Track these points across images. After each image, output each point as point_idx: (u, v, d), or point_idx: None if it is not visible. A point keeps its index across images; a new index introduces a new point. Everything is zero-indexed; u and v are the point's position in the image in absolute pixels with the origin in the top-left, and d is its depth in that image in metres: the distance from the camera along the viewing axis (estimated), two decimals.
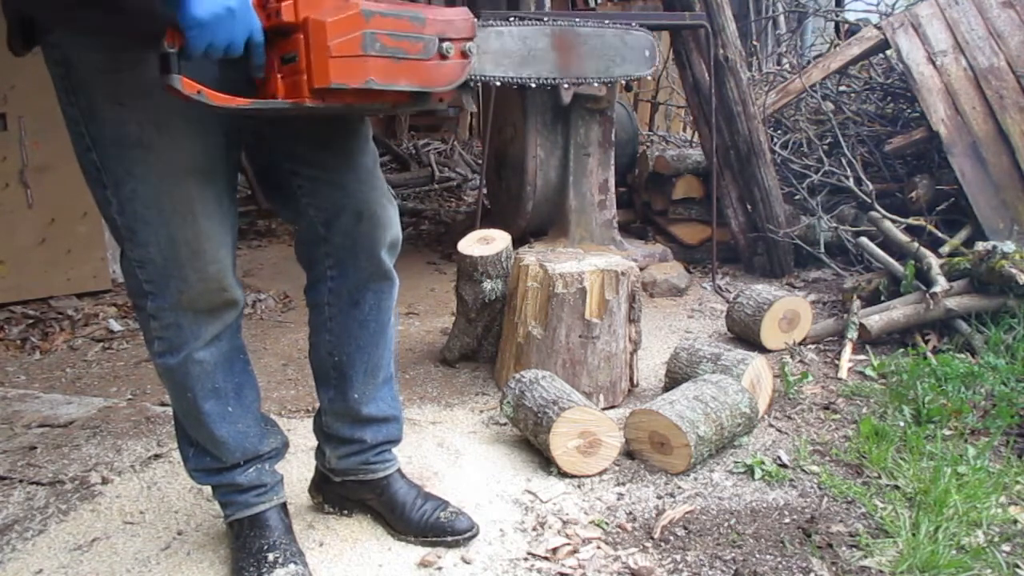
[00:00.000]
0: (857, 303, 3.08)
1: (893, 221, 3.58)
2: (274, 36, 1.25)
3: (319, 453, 1.83)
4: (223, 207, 1.46)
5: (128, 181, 1.37)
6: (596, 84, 1.85)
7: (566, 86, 3.75)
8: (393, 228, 1.63)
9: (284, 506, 1.72)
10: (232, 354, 1.59)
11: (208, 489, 1.96)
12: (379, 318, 1.67)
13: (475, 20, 1.41)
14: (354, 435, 1.74)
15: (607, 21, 1.97)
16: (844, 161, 4.06)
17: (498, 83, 1.58)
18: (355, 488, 1.80)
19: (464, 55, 1.37)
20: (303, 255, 1.66)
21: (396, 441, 1.82)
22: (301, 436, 2.23)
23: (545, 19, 1.71)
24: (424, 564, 1.70)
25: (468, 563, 1.71)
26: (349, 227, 1.57)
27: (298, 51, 1.23)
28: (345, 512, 1.85)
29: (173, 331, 1.49)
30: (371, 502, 1.81)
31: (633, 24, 1.97)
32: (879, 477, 2.06)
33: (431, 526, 1.75)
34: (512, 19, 1.63)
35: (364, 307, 1.64)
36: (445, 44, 1.34)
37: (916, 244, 3.27)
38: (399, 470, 1.83)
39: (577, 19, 1.90)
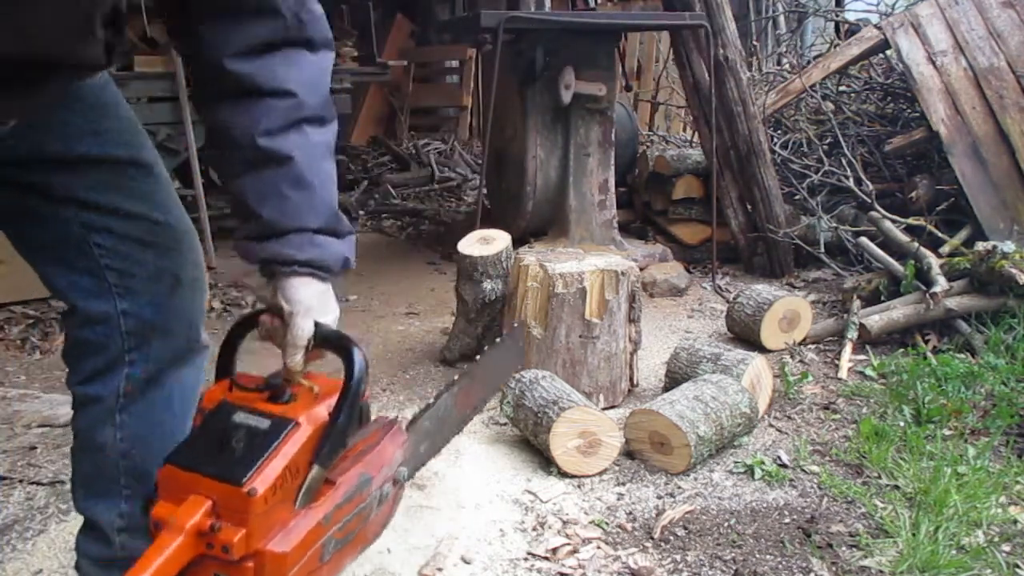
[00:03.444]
0: (857, 303, 3.08)
1: (893, 221, 3.58)
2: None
3: None
4: None
5: None
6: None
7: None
8: (206, 289, 1.38)
9: None
10: None
11: None
12: (186, 395, 1.37)
13: (406, 435, 1.26)
14: None
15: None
16: (844, 161, 4.06)
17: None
18: None
19: (396, 481, 1.21)
20: (79, 342, 1.30)
21: None
22: None
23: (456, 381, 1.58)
24: None
25: (468, 563, 1.71)
26: (161, 296, 1.28)
27: None
28: None
29: None
30: None
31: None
32: (879, 477, 2.06)
33: None
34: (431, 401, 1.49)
35: (167, 386, 1.34)
36: (385, 487, 1.17)
37: (916, 244, 3.27)
38: None
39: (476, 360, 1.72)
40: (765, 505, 1.95)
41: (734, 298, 3.13)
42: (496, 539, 1.81)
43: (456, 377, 1.63)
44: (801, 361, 2.86)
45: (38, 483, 2.06)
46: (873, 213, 3.66)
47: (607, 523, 1.88)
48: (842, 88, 4.87)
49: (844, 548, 1.77)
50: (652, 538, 1.82)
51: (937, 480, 1.97)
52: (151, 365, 1.31)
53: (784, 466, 2.13)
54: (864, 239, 3.53)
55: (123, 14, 1.10)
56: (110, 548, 1.34)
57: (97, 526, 1.35)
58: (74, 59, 1.05)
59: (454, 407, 1.57)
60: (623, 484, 2.05)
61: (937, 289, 2.89)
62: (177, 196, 1.31)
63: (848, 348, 2.86)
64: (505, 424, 2.37)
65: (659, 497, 1.99)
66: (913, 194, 3.85)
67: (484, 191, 4.12)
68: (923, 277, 3.06)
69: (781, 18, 7.56)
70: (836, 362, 2.83)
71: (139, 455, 1.33)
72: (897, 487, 2.01)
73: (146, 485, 1.30)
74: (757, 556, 1.75)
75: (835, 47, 4.78)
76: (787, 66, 5.77)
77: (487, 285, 2.70)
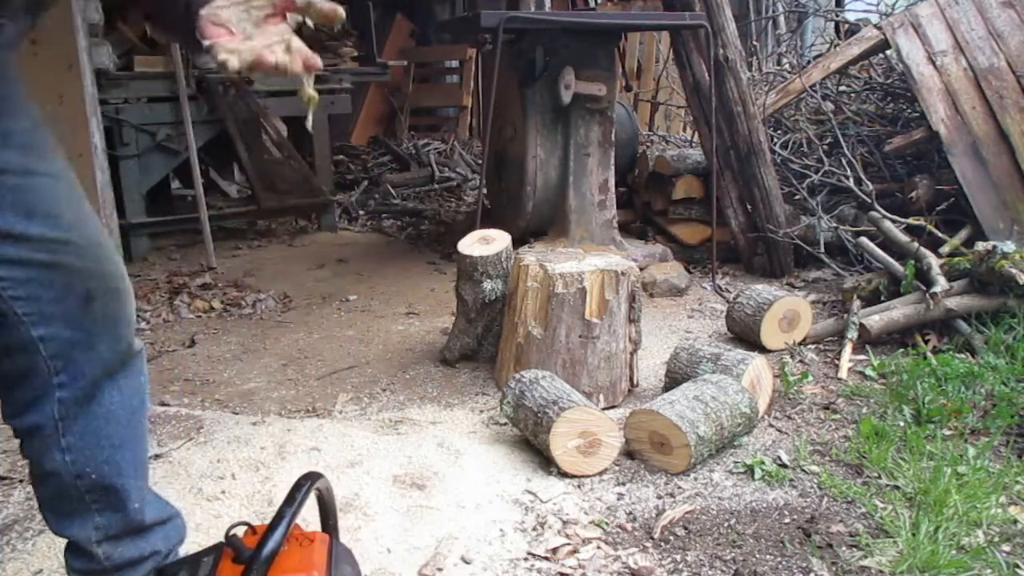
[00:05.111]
0: (857, 303, 3.08)
1: (893, 221, 3.58)
2: None
3: None
4: None
5: None
6: None
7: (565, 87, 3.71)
8: (131, 295, 1.30)
9: None
10: None
11: (209, 488, 1.95)
12: (128, 403, 1.31)
13: None
14: (144, 550, 1.36)
15: None
16: (844, 161, 4.06)
17: None
18: None
19: None
20: (4, 375, 1.23)
21: (183, 539, 1.47)
22: (302, 436, 2.22)
23: None
24: None
25: (468, 563, 1.71)
26: (76, 314, 1.20)
27: None
28: None
29: None
30: None
31: None
32: (879, 477, 2.06)
33: None
34: None
35: (103, 399, 1.28)
36: None
37: (916, 244, 3.27)
38: None
39: None
40: (765, 505, 1.95)
41: (734, 298, 3.14)
42: (496, 539, 1.81)
43: None
44: (801, 361, 2.86)
45: None
46: (873, 213, 3.66)
47: (607, 523, 1.88)
48: (842, 88, 4.87)
49: (844, 548, 1.77)
50: (652, 538, 1.82)
51: (937, 480, 1.97)
52: (83, 382, 1.25)
53: (784, 466, 2.13)
54: (864, 239, 3.53)
55: None
56: (94, 561, 1.32)
57: (77, 545, 1.32)
58: None
59: None
60: (623, 484, 2.05)
61: (937, 289, 2.89)
62: (87, 204, 1.22)
63: (848, 348, 2.86)
64: (505, 424, 2.37)
65: (659, 497, 1.99)
66: (913, 194, 3.85)
67: (484, 191, 4.12)
68: (923, 277, 3.06)
69: (781, 18, 7.57)
70: (836, 362, 2.83)
71: (95, 471, 1.28)
72: (897, 487, 2.01)
73: (113, 496, 1.30)
74: (757, 556, 1.75)
75: (835, 47, 4.78)
76: (787, 66, 5.77)
77: (487, 285, 2.70)
